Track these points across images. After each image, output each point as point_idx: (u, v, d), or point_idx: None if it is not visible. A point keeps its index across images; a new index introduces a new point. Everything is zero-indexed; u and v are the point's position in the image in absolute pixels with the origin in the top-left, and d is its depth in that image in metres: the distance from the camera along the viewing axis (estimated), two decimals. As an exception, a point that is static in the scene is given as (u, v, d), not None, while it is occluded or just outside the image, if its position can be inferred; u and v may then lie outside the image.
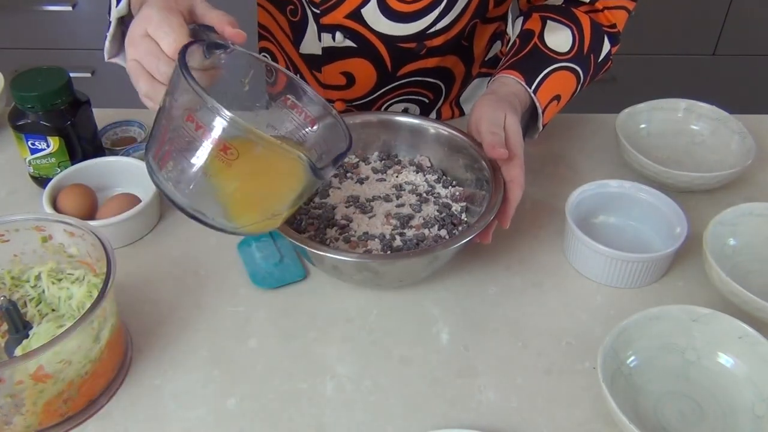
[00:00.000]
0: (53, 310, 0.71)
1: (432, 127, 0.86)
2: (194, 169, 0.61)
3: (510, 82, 0.84)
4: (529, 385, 0.68)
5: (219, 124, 0.58)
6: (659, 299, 0.77)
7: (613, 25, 0.91)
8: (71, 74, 0.87)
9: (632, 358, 0.68)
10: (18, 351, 0.65)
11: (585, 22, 0.89)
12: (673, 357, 0.69)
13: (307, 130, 0.75)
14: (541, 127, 0.86)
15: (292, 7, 0.95)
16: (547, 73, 0.85)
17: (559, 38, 0.87)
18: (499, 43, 1.07)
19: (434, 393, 0.68)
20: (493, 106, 0.80)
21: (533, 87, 0.84)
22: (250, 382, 0.68)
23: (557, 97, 0.86)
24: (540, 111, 0.85)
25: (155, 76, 0.67)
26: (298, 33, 0.97)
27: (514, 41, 0.89)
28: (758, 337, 0.65)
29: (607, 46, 0.90)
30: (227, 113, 0.58)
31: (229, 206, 0.65)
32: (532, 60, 0.86)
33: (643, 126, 0.96)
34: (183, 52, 0.62)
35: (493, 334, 0.73)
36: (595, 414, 0.66)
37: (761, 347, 0.65)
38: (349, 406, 0.67)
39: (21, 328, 0.66)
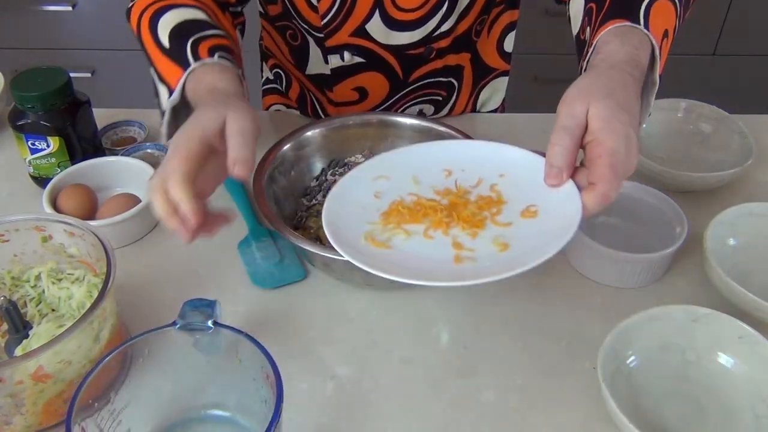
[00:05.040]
0: (53, 310, 0.71)
1: (440, 129, 0.85)
2: None
3: (612, 48, 0.64)
4: (529, 385, 0.68)
5: None
6: (659, 299, 0.77)
7: None
8: (71, 74, 0.87)
9: (632, 358, 0.68)
10: (18, 351, 0.65)
11: None
12: (673, 357, 0.69)
13: None
14: (657, 80, 0.68)
15: (291, 31, 0.95)
16: (648, 5, 0.67)
17: None
18: (513, 34, 1.01)
19: (434, 393, 0.68)
20: (579, 92, 0.59)
21: (642, 24, 0.65)
22: (250, 382, 0.68)
23: (666, 34, 0.69)
24: (657, 52, 0.66)
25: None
26: (300, 57, 0.97)
27: (589, 8, 0.71)
28: (758, 337, 0.65)
29: None
30: None
31: None
32: (623, 1, 0.68)
33: (643, 126, 0.96)
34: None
35: (493, 334, 0.73)
36: (595, 414, 0.66)
37: (761, 347, 0.65)
38: (349, 406, 0.67)
39: (21, 328, 0.66)
